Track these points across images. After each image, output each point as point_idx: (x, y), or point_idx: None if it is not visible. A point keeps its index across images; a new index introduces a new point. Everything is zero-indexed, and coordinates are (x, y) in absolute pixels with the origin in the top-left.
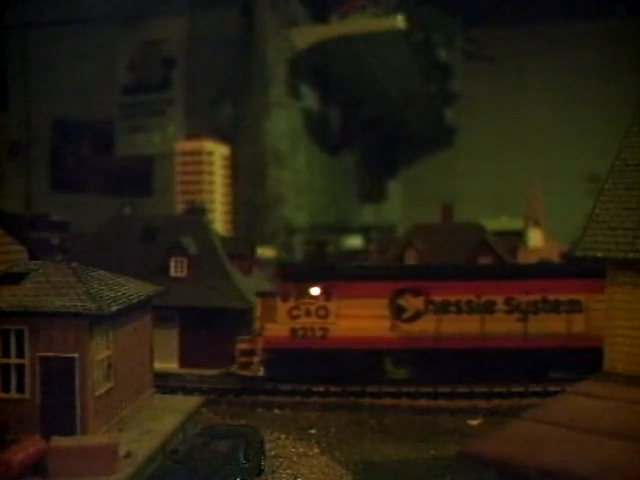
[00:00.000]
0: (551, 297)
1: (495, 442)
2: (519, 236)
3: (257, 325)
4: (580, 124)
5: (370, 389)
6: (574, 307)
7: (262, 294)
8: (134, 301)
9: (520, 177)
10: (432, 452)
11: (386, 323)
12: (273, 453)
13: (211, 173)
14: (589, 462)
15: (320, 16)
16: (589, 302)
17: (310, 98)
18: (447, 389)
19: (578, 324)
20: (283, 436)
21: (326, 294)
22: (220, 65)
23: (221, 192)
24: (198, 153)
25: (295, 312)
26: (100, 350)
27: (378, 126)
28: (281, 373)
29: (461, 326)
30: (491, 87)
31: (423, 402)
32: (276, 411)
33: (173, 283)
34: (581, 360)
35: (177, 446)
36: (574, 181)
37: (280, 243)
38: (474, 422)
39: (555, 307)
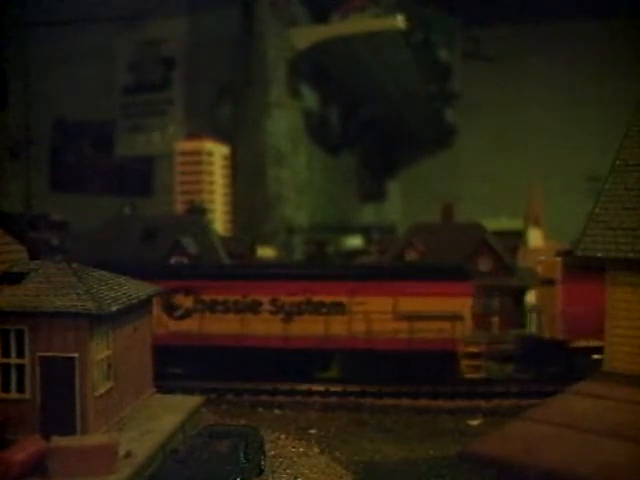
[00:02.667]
0: (315, 299)
1: (495, 442)
2: (519, 236)
3: None
4: (580, 124)
5: (370, 389)
6: (337, 309)
7: None
8: (134, 301)
9: (520, 177)
10: (432, 452)
11: (161, 321)
12: (273, 453)
13: (211, 173)
14: (589, 462)
15: (320, 16)
16: (352, 304)
17: (310, 98)
18: (447, 389)
19: (340, 325)
20: (283, 436)
21: None
22: (220, 65)
23: (221, 192)
24: (198, 153)
25: None
26: (100, 350)
27: (378, 126)
28: None
29: (228, 325)
30: (491, 87)
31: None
32: (276, 411)
33: None
34: (345, 360)
35: (177, 446)
36: (574, 181)
37: (280, 243)
38: (474, 422)
39: (318, 308)
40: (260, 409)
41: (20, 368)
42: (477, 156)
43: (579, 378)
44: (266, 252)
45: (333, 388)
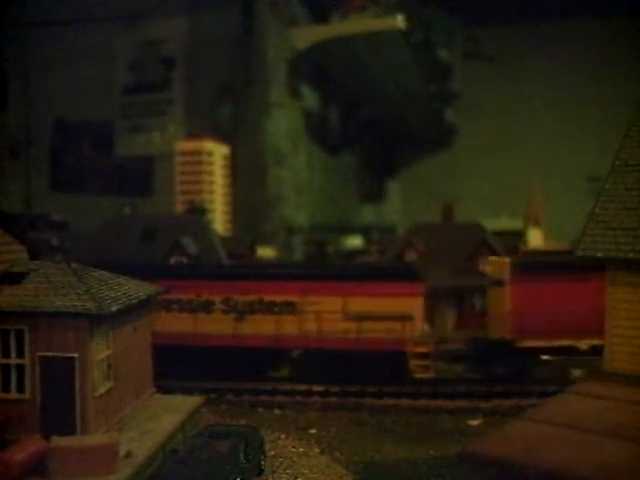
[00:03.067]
0: (267, 298)
1: (495, 442)
2: (519, 236)
3: None
4: (580, 124)
5: (370, 389)
6: (288, 309)
7: None
8: (134, 301)
9: (520, 177)
10: (432, 452)
11: None
12: (273, 453)
13: (211, 173)
14: (589, 462)
15: (320, 16)
16: (303, 304)
17: (310, 98)
18: (447, 389)
19: (291, 325)
20: (283, 436)
21: None
22: (220, 65)
23: (221, 192)
24: (198, 153)
25: None
26: (100, 350)
27: (378, 126)
28: None
29: (182, 324)
30: (491, 87)
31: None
32: (276, 411)
33: None
34: (297, 359)
35: (177, 446)
36: (574, 181)
37: (280, 243)
38: (474, 422)
39: (270, 308)
40: (260, 409)
41: (20, 368)
42: (477, 156)
43: (526, 379)
44: (266, 252)
45: (333, 388)
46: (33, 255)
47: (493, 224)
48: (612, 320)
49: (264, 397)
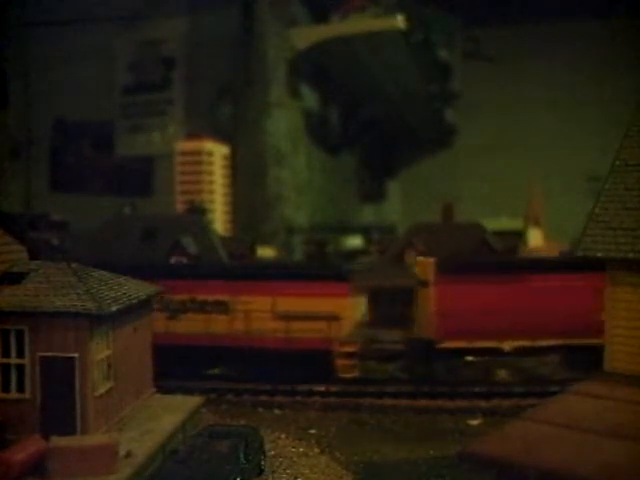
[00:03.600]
0: (199, 297)
1: (495, 442)
2: (519, 236)
3: None
4: (580, 124)
5: (370, 389)
6: (220, 308)
7: None
8: (134, 301)
9: (520, 177)
10: (432, 452)
11: None
12: (273, 453)
13: (211, 173)
14: (589, 462)
15: (320, 16)
16: (234, 303)
17: (310, 98)
18: (447, 389)
19: (223, 324)
20: (283, 436)
21: None
22: (220, 65)
23: (221, 192)
24: (198, 153)
25: None
26: (100, 350)
27: (378, 126)
28: None
29: None
30: (491, 87)
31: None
32: (276, 411)
33: None
34: (227, 358)
35: (177, 446)
36: (574, 181)
37: (280, 243)
38: (474, 422)
39: (202, 307)
40: (260, 409)
41: (20, 368)
42: (477, 156)
43: (451, 379)
44: (266, 252)
45: (333, 388)
46: (33, 255)
47: (493, 224)
48: (612, 320)
49: (264, 397)
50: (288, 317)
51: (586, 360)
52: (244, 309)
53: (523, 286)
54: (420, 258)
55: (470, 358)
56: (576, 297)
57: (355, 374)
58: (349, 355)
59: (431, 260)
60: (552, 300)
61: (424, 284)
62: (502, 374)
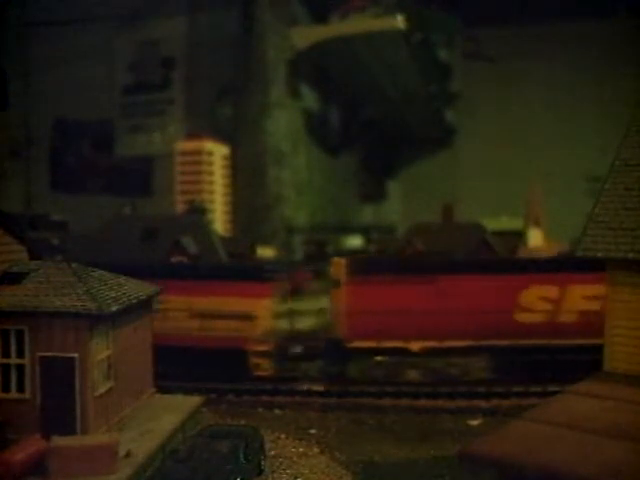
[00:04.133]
0: None
1: (495, 442)
2: (519, 236)
3: None
4: (580, 124)
5: (371, 389)
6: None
7: None
8: (134, 301)
9: (520, 177)
10: (432, 452)
11: None
12: (273, 453)
13: (211, 173)
14: (589, 462)
15: (320, 16)
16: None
17: (310, 98)
18: (447, 389)
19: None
20: (283, 436)
21: None
22: (220, 65)
23: (221, 192)
24: (198, 153)
25: None
26: (100, 350)
27: (378, 126)
28: None
29: None
30: (491, 87)
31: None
32: (276, 411)
33: None
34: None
35: (177, 446)
36: (574, 181)
37: (280, 243)
38: (474, 422)
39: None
40: (260, 409)
41: (20, 368)
42: (477, 156)
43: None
44: (266, 252)
45: (333, 388)
46: (33, 255)
47: (493, 224)
48: (612, 320)
49: (264, 397)
50: (205, 316)
51: (508, 361)
52: (162, 307)
53: (432, 287)
54: (335, 258)
55: (379, 358)
56: (485, 298)
57: (269, 373)
58: (263, 354)
59: (343, 260)
60: (461, 301)
61: (337, 284)
62: (412, 374)
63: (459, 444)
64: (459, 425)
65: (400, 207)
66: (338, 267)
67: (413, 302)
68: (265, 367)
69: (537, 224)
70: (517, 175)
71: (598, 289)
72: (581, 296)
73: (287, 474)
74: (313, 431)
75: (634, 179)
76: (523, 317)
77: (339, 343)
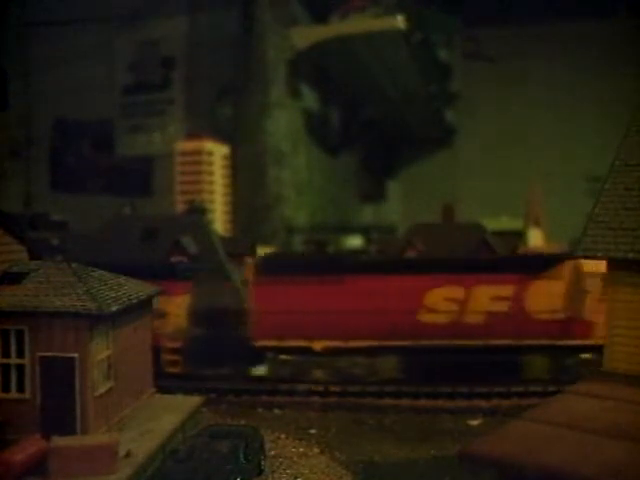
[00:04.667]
0: None
1: (495, 442)
2: (519, 236)
3: None
4: (580, 124)
5: (371, 389)
6: None
7: None
8: (134, 301)
9: (520, 177)
10: (432, 452)
11: None
12: (273, 453)
13: (211, 173)
14: (589, 462)
15: (320, 16)
16: None
17: (310, 98)
18: (448, 389)
19: None
20: (283, 436)
21: None
22: (220, 65)
23: (221, 192)
24: (198, 153)
25: None
26: (100, 350)
27: (378, 126)
28: None
29: None
30: (491, 87)
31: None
32: (276, 411)
33: None
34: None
35: (177, 446)
36: (574, 181)
37: (280, 243)
38: (474, 422)
39: None
40: (260, 409)
41: (20, 368)
42: (477, 156)
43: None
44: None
45: (333, 388)
46: (33, 255)
47: (493, 224)
48: (612, 320)
49: (264, 397)
50: None
51: (416, 361)
52: None
53: (339, 287)
54: (249, 259)
55: (284, 357)
56: (391, 298)
57: (179, 370)
58: (173, 351)
59: (251, 260)
60: (366, 301)
61: (246, 284)
62: (318, 374)
63: (459, 444)
64: (459, 425)
65: (400, 207)
66: (248, 267)
67: (319, 302)
68: (175, 364)
69: (537, 224)
70: (517, 175)
71: (505, 290)
72: (487, 297)
73: (287, 474)
74: (313, 431)
75: (634, 179)
76: (427, 318)
77: (247, 342)
